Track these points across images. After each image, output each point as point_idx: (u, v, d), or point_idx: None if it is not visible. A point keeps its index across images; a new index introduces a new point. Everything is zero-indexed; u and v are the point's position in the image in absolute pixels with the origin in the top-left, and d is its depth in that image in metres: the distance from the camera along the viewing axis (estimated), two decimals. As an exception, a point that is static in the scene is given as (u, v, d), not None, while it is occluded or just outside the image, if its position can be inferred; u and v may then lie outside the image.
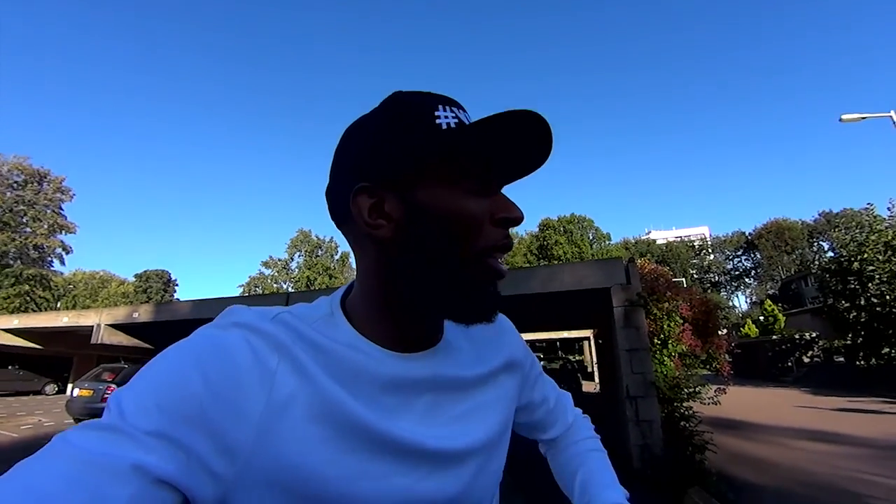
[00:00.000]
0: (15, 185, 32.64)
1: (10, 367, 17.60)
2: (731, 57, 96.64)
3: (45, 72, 74.82)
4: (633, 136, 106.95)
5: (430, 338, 0.51)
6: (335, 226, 0.53)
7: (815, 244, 50.61)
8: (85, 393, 9.02)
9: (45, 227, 33.64)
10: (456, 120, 0.46)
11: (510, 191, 0.51)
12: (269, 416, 0.40)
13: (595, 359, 19.28)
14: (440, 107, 0.47)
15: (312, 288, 39.57)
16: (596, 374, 19.59)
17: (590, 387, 18.03)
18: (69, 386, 14.35)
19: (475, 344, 0.57)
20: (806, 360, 20.59)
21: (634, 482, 4.99)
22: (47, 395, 18.38)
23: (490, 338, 0.59)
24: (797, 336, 21.04)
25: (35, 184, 33.54)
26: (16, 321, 14.56)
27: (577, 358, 32.85)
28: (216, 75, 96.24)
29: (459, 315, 0.47)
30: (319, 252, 47.10)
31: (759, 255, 55.10)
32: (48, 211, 33.91)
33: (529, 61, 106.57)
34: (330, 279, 43.55)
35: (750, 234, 56.63)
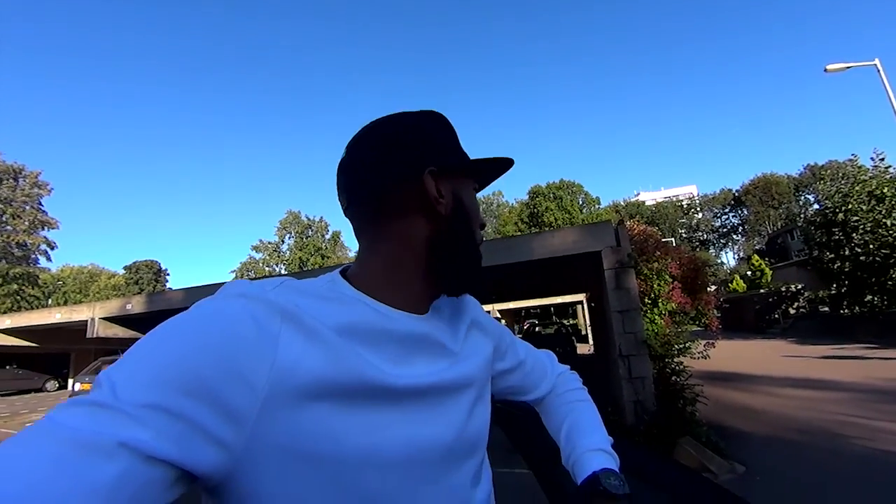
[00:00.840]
0: (-11, 182, 31.69)
1: (8, 367, 17.59)
2: (710, 11, 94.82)
3: (13, 59, 71.48)
4: (619, 98, 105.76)
5: (427, 305, 0.57)
6: (357, 204, 0.57)
7: (802, 198, 51.22)
8: (86, 387, 9.12)
9: (26, 223, 32.89)
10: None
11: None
12: (276, 381, 0.40)
13: (588, 321, 19.66)
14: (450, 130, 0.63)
15: (305, 269, 39.48)
16: (590, 336, 20.02)
17: (584, 349, 18.45)
18: (70, 381, 14.37)
19: (447, 316, 0.61)
20: (792, 311, 21.18)
21: (628, 437, 5.19)
22: (49, 391, 18.47)
23: (456, 308, 0.64)
24: (783, 289, 21.56)
25: (10, 180, 32.61)
26: (8, 321, 14.41)
27: (572, 322, 33.45)
28: (196, 54, 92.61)
29: (465, 282, 0.59)
30: (310, 232, 46.75)
31: (746, 212, 55.76)
32: (27, 207, 33.11)
33: (510, 26, 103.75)
34: (322, 259, 43.42)
35: (737, 190, 57.12)
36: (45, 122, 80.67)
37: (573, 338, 17.23)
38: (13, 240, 32.23)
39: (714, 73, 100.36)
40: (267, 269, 45.45)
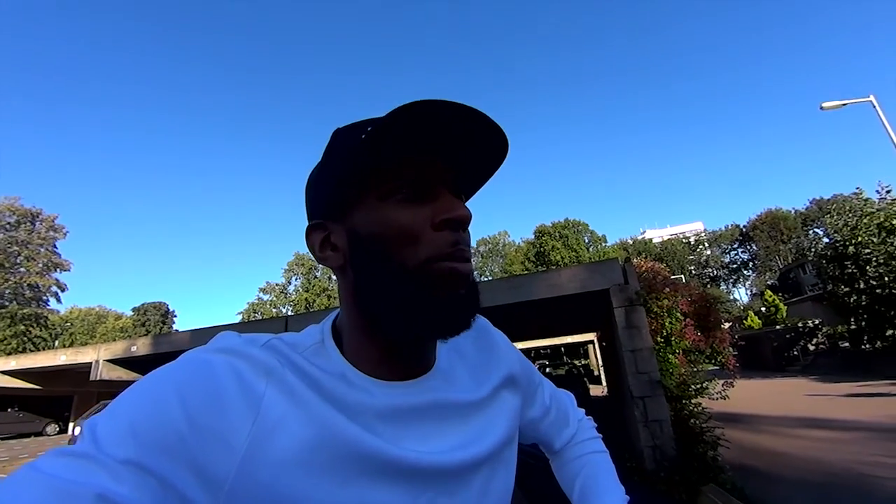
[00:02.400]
0: (7, 226, 32.55)
1: (9, 410, 17.33)
2: (711, 52, 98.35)
3: (28, 103, 75.22)
4: (622, 136, 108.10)
5: (421, 364, 0.49)
6: None
7: (810, 231, 50.96)
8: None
9: (40, 265, 33.46)
10: (379, 125, 0.42)
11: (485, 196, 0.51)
12: (256, 443, 0.38)
13: (601, 362, 19.19)
14: (367, 127, 0.44)
15: (311, 310, 39.38)
16: (603, 376, 19.48)
17: (597, 390, 17.91)
18: (70, 425, 14.13)
19: (471, 365, 0.55)
20: (811, 347, 20.55)
21: (649, 485, 4.93)
22: (49, 435, 18.08)
23: (485, 356, 0.58)
24: (800, 324, 21.03)
25: (28, 224, 33.46)
26: (13, 362, 14.37)
27: (583, 362, 32.65)
28: (202, 98, 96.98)
29: (430, 329, 0.45)
30: (316, 273, 47.02)
31: (755, 247, 55.37)
32: (42, 250, 33.78)
33: (513, 65, 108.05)
34: (329, 300, 43.39)
35: (744, 226, 56.98)
36: (59, 165, 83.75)
37: (585, 379, 16.77)
38: (25, 281, 32.68)
39: (715, 111, 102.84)
40: (274, 310, 45.45)
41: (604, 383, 18.65)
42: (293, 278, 47.81)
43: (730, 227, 59.59)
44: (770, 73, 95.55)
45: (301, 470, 0.39)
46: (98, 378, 11.67)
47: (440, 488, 0.45)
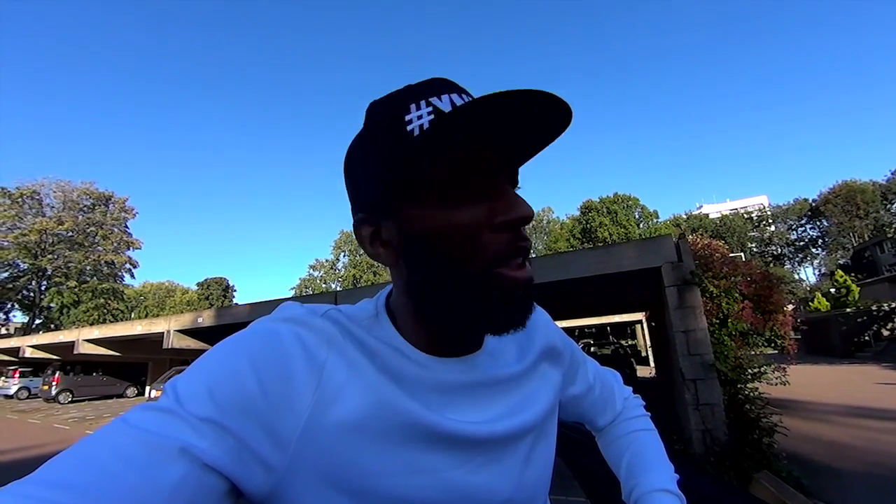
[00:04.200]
0: (85, 208, 35.64)
1: (94, 374, 19.33)
2: (776, 9, 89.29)
3: (93, 91, 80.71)
4: (677, 103, 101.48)
5: (472, 344, 0.51)
6: None
7: (892, 206, 46.22)
8: (160, 393, 9.83)
9: (114, 244, 36.55)
10: (431, 116, 0.42)
11: (529, 175, 0.48)
12: (318, 408, 0.41)
13: (649, 342, 18.64)
14: (412, 107, 0.43)
15: (358, 285, 40.67)
16: (651, 357, 18.94)
17: (645, 371, 17.45)
18: (147, 388, 15.57)
19: (516, 339, 0.56)
20: (885, 332, 18.90)
21: (698, 466, 4.80)
22: (128, 397, 20.05)
23: (528, 330, 0.57)
24: (874, 307, 19.34)
25: (102, 206, 36.50)
26: (96, 332, 15.93)
27: (630, 342, 31.83)
28: (263, 83, 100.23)
29: (485, 328, 0.46)
30: (362, 250, 48.36)
31: (826, 223, 51.02)
32: (115, 230, 36.85)
33: (559, 32, 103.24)
34: (374, 276, 44.56)
35: (814, 200, 52.47)
36: (128, 149, 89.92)
37: (632, 360, 16.35)
38: (102, 259, 35.86)
39: (782, 73, 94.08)
40: (323, 285, 47.38)
41: (651, 364, 18.14)
42: (341, 255, 49.46)
43: (798, 201, 55.08)
44: (846, 30, 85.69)
45: (357, 434, 0.42)
46: (170, 346, 12.73)
47: (487, 455, 0.47)
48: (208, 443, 0.37)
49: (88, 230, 35.32)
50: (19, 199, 32.41)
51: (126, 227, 37.95)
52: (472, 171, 0.42)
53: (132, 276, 39.63)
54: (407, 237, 0.45)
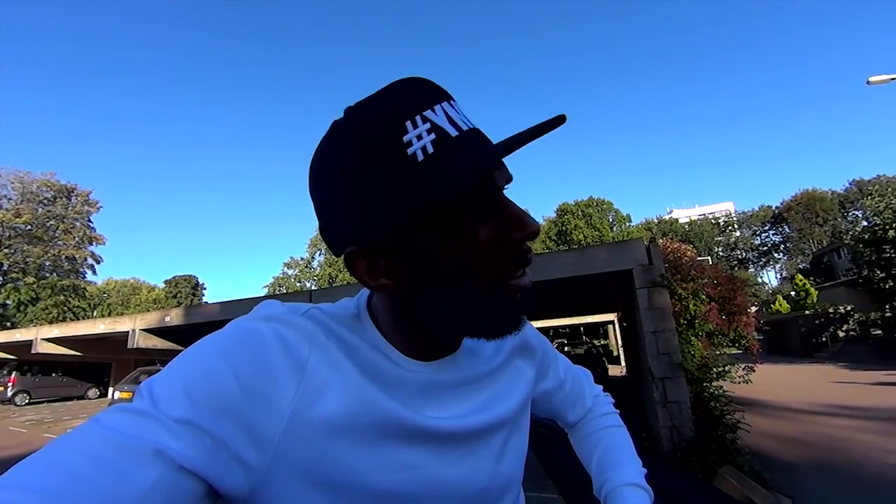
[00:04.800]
0: (45, 200, 33.95)
1: (53, 375, 18.44)
2: (747, 19, 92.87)
3: (59, 82, 77.13)
4: (651, 112, 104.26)
5: (452, 345, 0.52)
6: None
7: (849, 214, 48.67)
8: (125, 395, 9.50)
9: (76, 239, 34.96)
10: (433, 136, 0.40)
11: (518, 188, 0.48)
12: (300, 407, 0.41)
13: (620, 342, 19.07)
14: (407, 124, 0.40)
15: (334, 284, 40.16)
16: (622, 357, 19.39)
17: (616, 370, 17.87)
18: (110, 389, 14.98)
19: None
20: (841, 334, 19.91)
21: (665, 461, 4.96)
22: (90, 399, 19.20)
23: None
24: (831, 310, 20.34)
25: (63, 198, 34.82)
26: (56, 330, 15.21)
27: (602, 342, 32.51)
28: (234, 78, 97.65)
29: (485, 336, 0.47)
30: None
31: (787, 229, 53.36)
32: (77, 224, 35.22)
33: (532, 41, 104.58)
34: (351, 275, 44.06)
35: (777, 207, 54.81)
36: (93, 142, 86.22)
37: (604, 359, 16.71)
38: (63, 254, 34.26)
39: (749, 85, 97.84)
40: (298, 284, 46.56)
41: (623, 364, 18.57)
42: (316, 253, 48.73)
43: (762, 207, 57.41)
44: (811, 45, 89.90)
45: (339, 433, 0.42)
46: (135, 346, 12.26)
47: (464, 449, 0.49)
48: (184, 444, 0.36)
49: (48, 224, 33.66)
50: (-28, 191, 30.68)
51: (89, 221, 36.32)
52: (478, 190, 0.41)
53: (94, 272, 37.99)
54: (416, 266, 0.43)
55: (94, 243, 36.44)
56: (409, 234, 0.42)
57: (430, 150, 0.39)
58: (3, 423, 12.51)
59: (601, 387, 0.82)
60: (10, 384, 16.83)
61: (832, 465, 5.14)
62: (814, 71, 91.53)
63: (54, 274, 34.13)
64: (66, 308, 34.28)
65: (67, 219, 34.62)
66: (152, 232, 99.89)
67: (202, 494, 0.37)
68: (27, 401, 17.21)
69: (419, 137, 0.39)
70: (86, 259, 36.19)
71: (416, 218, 0.41)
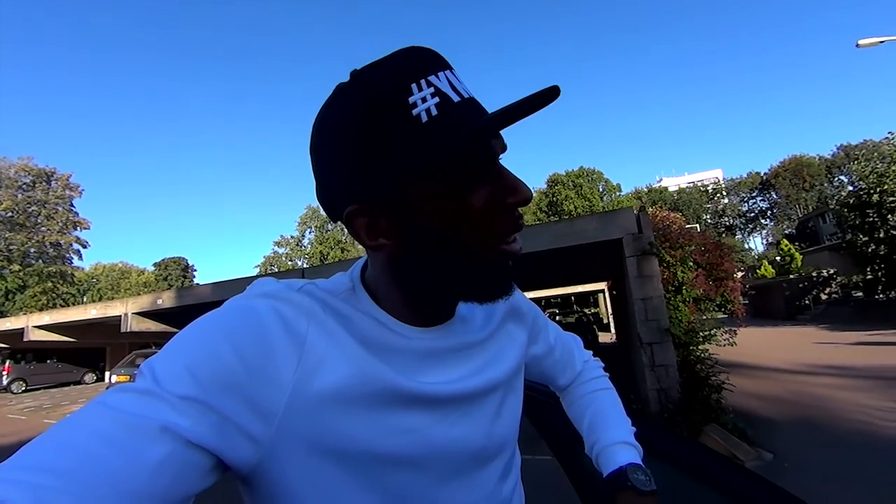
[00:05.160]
0: (24, 186, 33.05)
1: (48, 361, 18.44)
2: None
3: (39, 66, 73.93)
4: (640, 80, 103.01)
5: (448, 314, 0.54)
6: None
7: (835, 179, 49.19)
8: (122, 378, 9.55)
9: (59, 224, 34.25)
10: (437, 100, 0.41)
11: (513, 156, 0.48)
12: (302, 380, 0.42)
13: (610, 310, 19.43)
14: (413, 86, 0.41)
15: (326, 262, 40.08)
16: (612, 324, 19.80)
17: (606, 338, 18.25)
18: (107, 373, 15.03)
19: (482, 306, 0.58)
20: (824, 297, 20.47)
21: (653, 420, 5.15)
22: (87, 384, 19.27)
23: None
24: (814, 274, 20.84)
25: (43, 183, 33.91)
26: (47, 317, 15.09)
27: (593, 310, 33.09)
28: (219, 53, 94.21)
29: (478, 299, 0.49)
30: (329, 226, 47.40)
31: (775, 195, 53.90)
32: (59, 209, 34.43)
33: (524, 5, 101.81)
34: (342, 252, 43.98)
35: (766, 173, 55.17)
36: (74, 125, 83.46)
37: (594, 326, 17.04)
38: (47, 240, 33.63)
39: (739, 52, 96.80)
40: (289, 262, 46.38)
41: (613, 331, 18.98)
42: (307, 231, 48.37)
43: (750, 174, 57.76)
44: (800, 8, 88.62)
45: (341, 403, 0.43)
46: (129, 330, 12.24)
47: (460, 411, 0.51)
48: (191, 420, 0.36)
49: (30, 210, 32.85)
50: (-53, 177, 29.73)
51: (72, 205, 35.50)
52: (477, 154, 0.43)
53: (81, 257, 37.41)
54: (415, 227, 0.44)
55: (78, 228, 35.78)
56: (409, 193, 0.43)
57: (435, 112, 0.41)
58: (1, 412, 12.56)
59: (591, 352, 0.84)
60: (4, 372, 16.87)
61: (812, 421, 5.37)
62: (803, 35, 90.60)
63: (40, 261, 33.57)
64: (55, 295, 33.87)
65: (49, 204, 33.81)
66: (139, 214, 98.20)
67: (211, 468, 0.38)
68: (24, 388, 17.27)
69: (424, 100, 0.41)
70: (71, 244, 35.58)
71: (418, 177, 0.42)
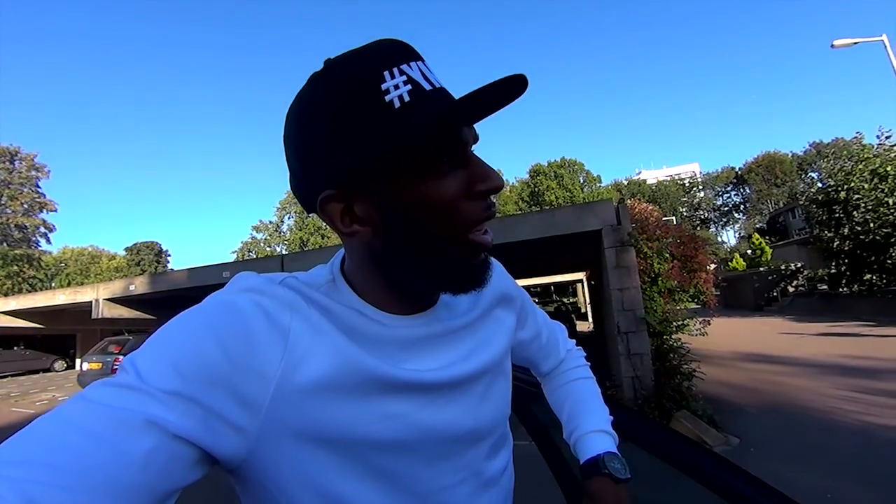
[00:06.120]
0: (-14, 164, 31.51)
1: (15, 348, 17.81)
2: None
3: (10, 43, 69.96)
4: (621, 73, 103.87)
5: (430, 301, 0.54)
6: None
7: (806, 176, 50.80)
8: (94, 366, 9.25)
9: (24, 206, 32.83)
10: (409, 87, 0.42)
11: (486, 146, 0.48)
12: (287, 371, 0.42)
13: (588, 300, 19.80)
14: (385, 74, 0.42)
15: (306, 248, 39.58)
16: (590, 314, 20.19)
17: (584, 326, 18.62)
18: (78, 361, 14.61)
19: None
20: (791, 289, 21.25)
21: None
22: (57, 371, 18.75)
23: None
24: (783, 267, 21.58)
25: (6, 162, 32.38)
26: (13, 303, 14.55)
27: (572, 300, 33.68)
28: (193, 26, 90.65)
29: (450, 289, 0.49)
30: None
31: (748, 190, 55.39)
32: (24, 189, 32.98)
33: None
34: (322, 239, 43.42)
35: (740, 169, 56.60)
36: (42, 105, 79.53)
37: (573, 315, 17.34)
38: (11, 222, 32.23)
39: (717, 48, 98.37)
40: (268, 248, 45.57)
41: (590, 320, 19.36)
42: (286, 217, 47.51)
43: (725, 169, 59.16)
44: (777, 9, 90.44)
45: (327, 393, 0.44)
46: (100, 316, 11.90)
47: (446, 397, 0.52)
48: (176, 414, 0.37)
49: (-8, 190, 31.40)
50: None
51: (38, 186, 34.06)
52: (448, 141, 0.44)
53: (48, 241, 36.05)
54: (388, 212, 0.45)
55: (44, 210, 34.35)
56: (382, 177, 0.44)
57: (407, 98, 0.42)
58: (-36, 399, 12.11)
59: (574, 341, 0.86)
60: (-33, 359, 16.17)
61: (776, 408, 5.63)
62: (780, 33, 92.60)
63: (4, 244, 32.17)
64: (21, 279, 32.60)
65: (13, 185, 32.34)
66: (109, 196, 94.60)
67: (197, 461, 0.39)
68: (-11, 375, 16.63)
69: (396, 87, 0.42)
70: (38, 227, 34.19)
71: (391, 162, 0.43)
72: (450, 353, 0.53)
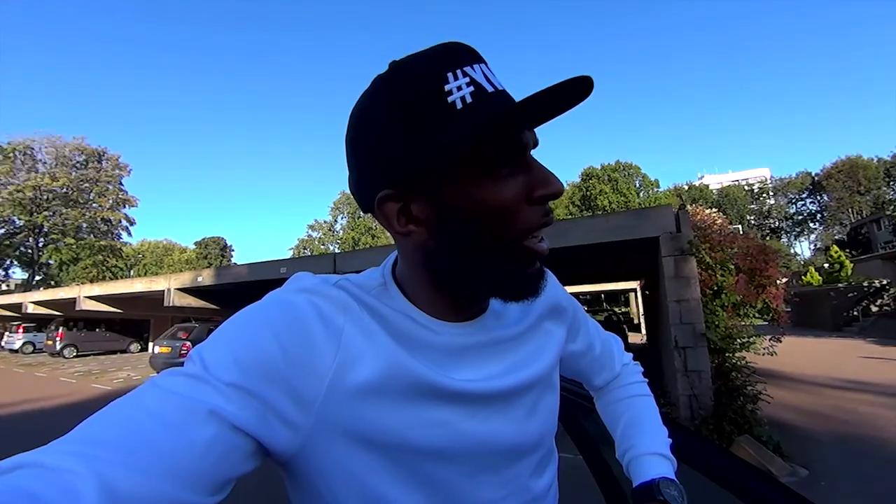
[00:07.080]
0: (78, 164, 35.09)
1: (97, 330, 19.65)
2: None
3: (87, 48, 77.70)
4: (683, 72, 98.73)
5: (480, 309, 0.53)
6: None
7: (894, 183, 45.93)
8: (164, 350, 10.08)
9: (110, 202, 36.25)
10: (472, 89, 0.42)
11: (546, 150, 0.48)
12: (339, 371, 0.44)
13: (642, 310, 18.95)
14: (449, 75, 0.42)
15: (357, 248, 40.79)
16: (643, 325, 19.33)
17: (636, 338, 17.84)
18: (150, 344, 15.88)
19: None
20: (874, 308, 19.22)
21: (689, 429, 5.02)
22: (132, 352, 20.46)
23: None
24: (865, 284, 19.58)
25: (95, 162, 35.93)
26: (97, 289, 16.08)
27: (623, 310, 32.37)
28: (265, 40, 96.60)
29: (501, 295, 0.49)
30: (361, 213, 48.07)
31: (826, 198, 50.85)
32: (110, 187, 36.43)
33: (556, 4, 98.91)
34: (373, 239, 44.62)
35: (817, 174, 52.07)
36: (127, 108, 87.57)
37: (624, 326, 16.68)
38: (99, 216, 35.68)
39: (792, 46, 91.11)
40: (322, 246, 47.49)
41: (643, 331, 18.53)
42: (339, 216, 49.34)
43: (800, 174, 54.65)
44: (852, 9, 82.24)
45: (375, 395, 0.45)
46: (171, 304, 12.89)
47: (492, 409, 0.51)
48: (236, 406, 0.39)
49: (83, 187, 34.91)
50: (11, 155, 31.84)
51: (121, 184, 37.52)
52: (508, 144, 0.43)
53: (129, 233, 39.61)
54: (445, 213, 0.45)
55: (126, 205, 37.79)
56: (440, 178, 0.44)
57: (469, 100, 0.42)
58: (54, 374, 13.52)
59: (631, 355, 0.82)
60: (57, 338, 18.02)
61: (852, 438, 5.10)
62: (862, 32, 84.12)
63: (91, 235, 35.69)
64: (104, 267, 36.03)
65: (100, 182, 35.81)
66: (183, 193, 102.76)
67: (252, 452, 0.41)
68: (74, 354, 18.43)
69: (459, 88, 0.42)
70: (120, 221, 37.65)
71: (449, 162, 0.43)
72: (497, 363, 0.53)
